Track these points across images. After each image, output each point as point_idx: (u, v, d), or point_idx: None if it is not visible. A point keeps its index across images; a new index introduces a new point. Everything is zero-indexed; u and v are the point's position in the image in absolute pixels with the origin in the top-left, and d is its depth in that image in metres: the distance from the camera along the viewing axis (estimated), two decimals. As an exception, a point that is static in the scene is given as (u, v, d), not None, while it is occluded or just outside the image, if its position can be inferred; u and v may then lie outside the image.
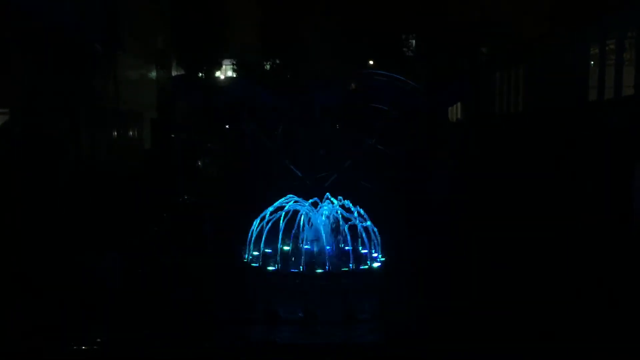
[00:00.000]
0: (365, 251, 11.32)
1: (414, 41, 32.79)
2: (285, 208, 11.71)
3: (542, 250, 11.67)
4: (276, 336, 8.28)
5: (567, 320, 8.25)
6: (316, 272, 10.66)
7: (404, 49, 32.42)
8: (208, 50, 31.69)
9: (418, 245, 12.22)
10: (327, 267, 10.71)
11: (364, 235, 11.23)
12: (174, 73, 33.50)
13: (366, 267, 11.04)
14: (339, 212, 11.57)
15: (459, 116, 33.34)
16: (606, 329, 7.97)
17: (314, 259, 11.09)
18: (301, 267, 10.75)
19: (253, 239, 11.62)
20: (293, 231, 11.29)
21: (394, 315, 8.99)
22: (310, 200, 11.90)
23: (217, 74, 35.89)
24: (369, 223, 11.37)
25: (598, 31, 19.16)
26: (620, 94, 17.76)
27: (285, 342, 8.06)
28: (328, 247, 11.27)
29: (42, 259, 11.31)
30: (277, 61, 32.36)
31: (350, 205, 11.62)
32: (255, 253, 11.50)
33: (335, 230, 11.79)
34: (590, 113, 18.67)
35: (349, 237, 11.15)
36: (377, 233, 11.34)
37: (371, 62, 31.35)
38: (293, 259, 11.06)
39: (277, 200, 12.45)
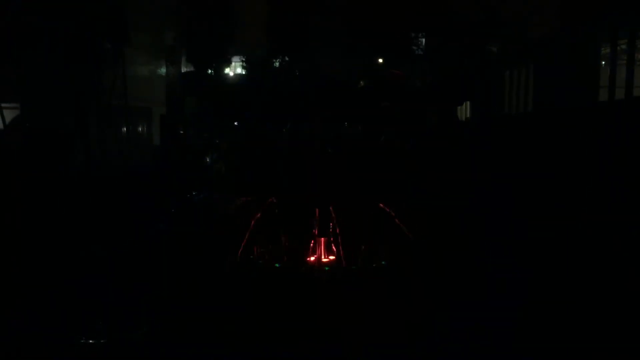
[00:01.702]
0: None
1: (423, 40, 32.75)
2: None
3: (554, 251, 11.54)
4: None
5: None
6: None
7: (413, 48, 32.37)
8: (217, 47, 31.74)
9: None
10: None
11: None
12: (183, 69, 33.59)
13: None
14: None
15: (467, 115, 33.28)
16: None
17: None
18: None
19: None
20: None
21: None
22: None
23: (227, 70, 35.95)
24: None
25: (609, 30, 19.06)
26: (631, 94, 17.66)
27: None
28: None
29: (47, 254, 11.37)
30: (286, 58, 32.39)
31: None
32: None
33: None
34: (600, 113, 18.59)
35: None
36: None
37: (380, 60, 31.33)
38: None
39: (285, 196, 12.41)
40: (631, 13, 17.93)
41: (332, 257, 11.22)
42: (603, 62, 20.04)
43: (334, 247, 11.49)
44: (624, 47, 18.70)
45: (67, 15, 18.24)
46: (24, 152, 17.29)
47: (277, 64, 32.44)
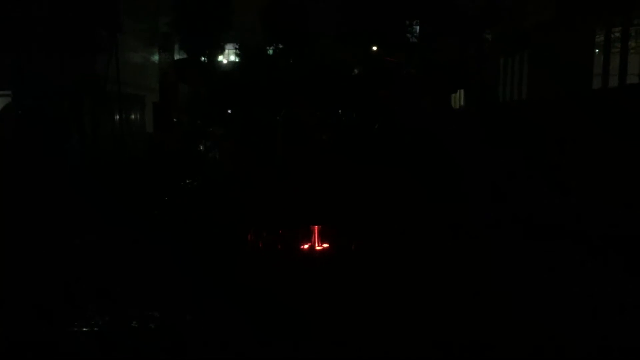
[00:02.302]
0: None
1: (417, 27, 32.63)
2: None
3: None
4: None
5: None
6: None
7: (407, 35, 32.26)
8: (211, 34, 31.55)
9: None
10: None
11: None
12: (176, 56, 33.41)
13: None
14: None
15: (462, 103, 33.28)
16: None
17: None
18: None
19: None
20: None
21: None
22: None
23: (220, 57, 35.78)
24: None
25: (603, 18, 19.05)
26: (624, 82, 17.71)
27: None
28: None
29: (41, 243, 11.35)
30: (280, 45, 32.24)
31: None
32: None
33: None
34: (594, 101, 18.63)
35: None
36: None
37: (374, 48, 31.21)
38: None
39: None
40: (624, 1, 17.94)
41: (325, 245, 11.24)
42: (597, 50, 20.04)
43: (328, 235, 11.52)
44: (617, 34, 18.72)
45: (60, 1, 18.10)
46: (17, 139, 17.20)
47: (271, 51, 32.30)
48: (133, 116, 24.96)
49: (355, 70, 29.31)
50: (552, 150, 19.16)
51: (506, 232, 12.22)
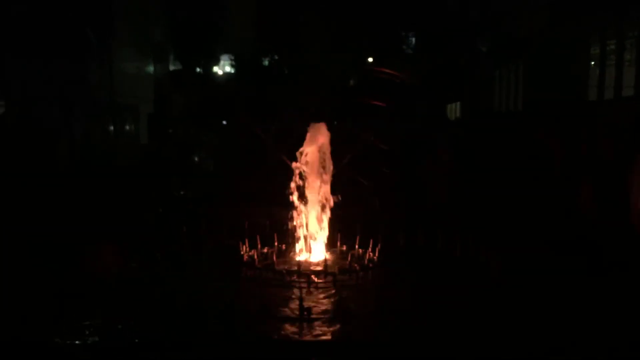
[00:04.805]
0: None
1: (412, 38, 32.68)
2: None
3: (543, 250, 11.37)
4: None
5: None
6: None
7: (403, 46, 32.32)
8: (206, 44, 31.52)
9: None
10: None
11: None
12: (171, 67, 33.35)
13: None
14: None
15: (457, 114, 33.29)
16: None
17: None
18: None
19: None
20: None
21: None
22: None
23: (215, 68, 35.73)
24: None
25: (598, 31, 19.11)
26: (620, 94, 17.73)
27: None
28: None
29: (33, 251, 11.15)
30: (275, 56, 32.22)
31: None
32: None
33: None
34: (590, 112, 18.64)
35: None
36: None
37: (370, 59, 31.23)
38: None
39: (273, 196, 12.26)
40: (620, 13, 17.99)
41: (321, 259, 11.07)
42: (592, 62, 20.10)
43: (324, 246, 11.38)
44: (613, 47, 18.78)
45: (55, 9, 18.05)
46: (9, 148, 17.05)
47: (266, 62, 32.28)
48: (126, 126, 24.86)
49: (351, 81, 29.30)
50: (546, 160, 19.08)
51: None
